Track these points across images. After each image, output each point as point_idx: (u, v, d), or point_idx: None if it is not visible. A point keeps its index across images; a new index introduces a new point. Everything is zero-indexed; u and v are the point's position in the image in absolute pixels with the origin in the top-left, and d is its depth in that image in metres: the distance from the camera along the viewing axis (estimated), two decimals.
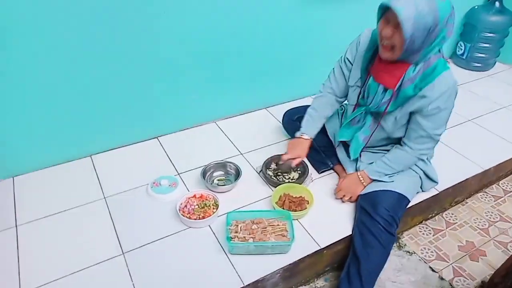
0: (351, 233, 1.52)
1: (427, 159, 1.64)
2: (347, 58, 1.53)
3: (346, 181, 1.64)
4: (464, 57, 2.79)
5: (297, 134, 1.69)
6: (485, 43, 2.68)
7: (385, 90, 1.39)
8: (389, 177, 1.55)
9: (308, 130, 1.68)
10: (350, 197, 1.62)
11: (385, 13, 1.25)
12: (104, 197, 1.66)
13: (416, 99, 1.36)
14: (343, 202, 1.65)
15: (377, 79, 1.40)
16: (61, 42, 1.55)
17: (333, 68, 1.63)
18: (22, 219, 1.55)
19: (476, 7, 2.69)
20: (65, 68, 1.62)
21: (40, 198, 1.65)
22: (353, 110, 1.55)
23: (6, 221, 1.54)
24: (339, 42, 2.25)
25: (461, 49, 2.79)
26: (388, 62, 1.34)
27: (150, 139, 2.02)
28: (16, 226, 1.52)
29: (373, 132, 1.54)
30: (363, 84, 1.47)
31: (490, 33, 2.62)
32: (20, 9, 1.42)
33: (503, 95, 2.51)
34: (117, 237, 1.48)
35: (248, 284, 1.33)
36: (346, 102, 1.68)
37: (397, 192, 1.50)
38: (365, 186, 1.58)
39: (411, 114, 1.42)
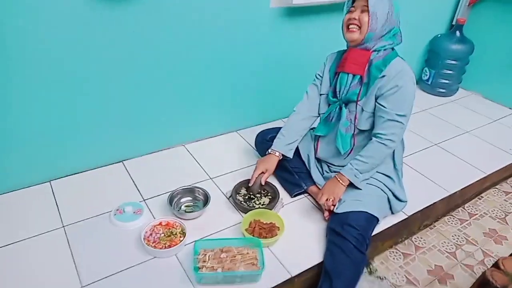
0: (321, 260, 1.49)
1: (397, 175, 1.67)
2: (318, 74, 1.69)
3: (327, 185, 1.61)
4: (429, 82, 2.89)
5: (268, 151, 1.71)
6: (448, 70, 2.79)
7: (353, 77, 1.52)
8: (364, 178, 1.57)
9: (279, 146, 1.70)
10: (333, 200, 1.58)
11: (350, 8, 1.46)
12: (63, 225, 1.56)
13: (378, 81, 1.47)
14: (326, 210, 1.63)
15: (345, 69, 1.52)
16: (17, 60, 1.48)
17: (306, 91, 1.72)
18: None
19: (439, 35, 2.82)
20: (20, 85, 1.53)
21: None
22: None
23: None
24: (312, 66, 2.30)
25: (426, 75, 2.90)
26: (352, 53, 1.50)
27: (115, 163, 1.94)
28: None
29: (352, 122, 1.58)
30: (335, 84, 1.58)
31: (452, 60, 2.74)
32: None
33: (466, 121, 2.60)
34: (76, 270, 1.39)
35: None
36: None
37: (367, 212, 1.50)
38: (344, 187, 1.57)
39: (376, 102, 1.50)
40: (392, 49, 1.52)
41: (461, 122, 2.57)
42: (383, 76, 1.46)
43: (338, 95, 1.58)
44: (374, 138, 1.52)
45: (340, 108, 1.58)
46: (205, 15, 1.80)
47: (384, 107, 1.47)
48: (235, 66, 2.05)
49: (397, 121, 1.47)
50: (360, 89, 1.51)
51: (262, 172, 1.70)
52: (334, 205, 1.58)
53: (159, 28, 1.71)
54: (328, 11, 2.18)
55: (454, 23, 2.83)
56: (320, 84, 1.67)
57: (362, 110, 1.54)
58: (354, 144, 1.61)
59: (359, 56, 1.49)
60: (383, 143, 1.50)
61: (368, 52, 1.47)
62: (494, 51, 2.78)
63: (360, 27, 1.43)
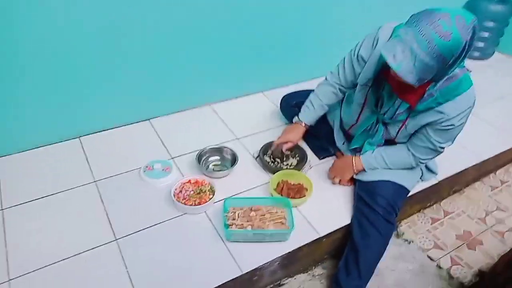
0: (349, 222, 1.49)
1: None
2: (361, 56, 1.38)
3: (338, 163, 1.60)
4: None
5: (294, 119, 1.64)
6: (484, 32, 2.64)
7: (401, 103, 1.31)
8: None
9: (306, 117, 1.63)
10: (340, 181, 1.59)
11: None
12: (95, 180, 1.59)
13: (433, 112, 1.27)
14: (333, 183, 1.62)
15: (396, 91, 1.30)
16: (53, 17, 1.45)
17: (344, 59, 1.49)
18: (8, 202, 1.47)
19: None
20: (50, 42, 1.50)
21: (27, 180, 1.56)
22: (361, 111, 1.47)
23: None
24: (342, 27, 2.21)
25: None
26: None
27: (142, 121, 1.94)
28: (2, 209, 1.44)
29: (384, 138, 1.47)
30: (377, 89, 1.37)
31: (490, 21, 2.59)
32: None
33: (502, 86, 2.49)
34: (110, 223, 1.42)
35: (247, 272, 1.29)
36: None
37: (397, 183, 1.46)
38: (355, 173, 1.54)
39: (423, 127, 1.34)
40: (465, 68, 1.24)
41: (496, 88, 2.46)
42: (441, 112, 1.24)
43: (378, 109, 1.40)
44: (409, 154, 1.43)
45: (378, 123, 1.44)
46: None
47: (430, 136, 1.33)
48: (261, 26, 1.97)
49: (438, 151, 1.39)
50: (407, 118, 1.34)
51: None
52: (343, 184, 1.60)
53: None
54: None
55: None
56: (361, 70, 1.40)
57: (405, 129, 1.38)
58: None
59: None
60: (415, 162, 1.44)
61: (428, 82, 1.20)
62: None
63: None
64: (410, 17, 1.08)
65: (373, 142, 1.49)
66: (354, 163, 1.53)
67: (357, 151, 1.57)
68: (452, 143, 1.39)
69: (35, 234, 1.36)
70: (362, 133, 1.51)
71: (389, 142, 1.50)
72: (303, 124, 1.63)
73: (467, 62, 1.24)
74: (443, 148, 1.39)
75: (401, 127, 1.37)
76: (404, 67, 1.05)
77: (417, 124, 1.34)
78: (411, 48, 1.03)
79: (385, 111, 1.37)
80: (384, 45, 1.09)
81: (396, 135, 1.42)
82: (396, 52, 1.05)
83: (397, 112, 1.33)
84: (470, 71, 1.26)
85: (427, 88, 1.22)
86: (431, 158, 1.47)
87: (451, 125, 1.27)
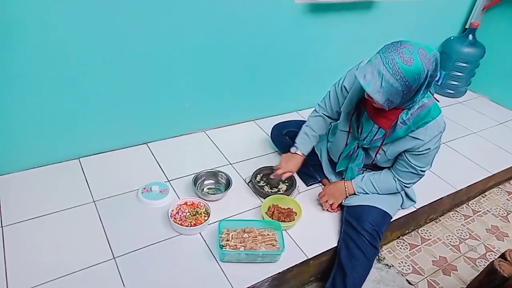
0: (336, 245, 1.59)
1: None
2: (344, 86, 1.55)
3: (332, 188, 1.71)
4: (438, 83, 2.98)
5: (292, 150, 1.74)
6: (458, 72, 2.87)
7: (378, 128, 1.45)
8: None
9: (304, 147, 1.73)
10: (332, 204, 1.70)
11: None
12: (94, 201, 1.65)
13: (408, 139, 1.43)
14: (323, 210, 1.74)
15: (373, 118, 1.44)
16: (55, 40, 1.55)
17: (329, 91, 1.66)
18: (8, 219, 1.52)
19: (452, 37, 2.89)
20: (55, 68, 1.60)
21: (27, 199, 1.62)
22: (347, 138, 1.60)
23: None
24: (330, 61, 2.39)
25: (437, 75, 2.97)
26: None
27: (140, 144, 2.03)
28: (1, 226, 1.49)
29: (364, 164, 1.63)
30: (358, 116, 1.52)
31: (463, 62, 2.82)
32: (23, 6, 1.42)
33: (473, 122, 2.69)
34: (108, 241, 1.48)
35: None
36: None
37: (381, 209, 1.59)
38: (347, 196, 1.67)
39: (401, 151, 1.49)
40: (433, 97, 1.40)
41: (468, 123, 2.66)
42: (416, 138, 1.41)
43: (358, 135, 1.54)
44: (395, 179, 1.58)
45: (358, 148, 1.58)
46: (231, 7, 1.86)
47: (410, 162, 1.49)
48: (256, 58, 2.12)
49: (420, 174, 1.55)
50: (382, 143, 1.48)
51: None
52: (333, 210, 1.71)
53: (186, 17, 1.77)
54: (351, 9, 2.26)
55: (467, 26, 2.90)
56: (344, 100, 1.56)
57: (385, 154, 1.53)
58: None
59: (389, 111, 1.35)
60: (400, 186, 1.60)
61: (398, 110, 1.36)
62: (504, 56, 2.86)
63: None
64: (382, 47, 1.26)
65: (353, 166, 1.63)
66: (346, 188, 1.66)
67: (342, 174, 1.72)
68: (431, 166, 1.54)
69: (34, 251, 1.41)
70: (345, 158, 1.65)
71: (373, 166, 1.64)
72: (301, 154, 1.73)
73: (442, 98, 1.41)
74: (423, 171, 1.54)
75: (377, 151, 1.53)
76: (372, 86, 1.21)
77: (395, 150, 1.50)
78: (379, 70, 1.20)
79: (364, 137, 1.52)
80: (358, 69, 1.27)
81: (374, 158, 1.57)
82: (366, 73, 1.22)
83: (374, 138, 1.49)
84: (438, 101, 1.43)
85: (399, 115, 1.38)
86: (414, 183, 1.61)
87: (427, 149, 1.44)
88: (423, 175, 1.57)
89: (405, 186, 1.60)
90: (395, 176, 1.58)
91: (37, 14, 1.45)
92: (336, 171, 1.73)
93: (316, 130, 1.73)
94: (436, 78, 1.31)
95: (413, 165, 1.50)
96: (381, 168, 1.64)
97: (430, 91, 1.39)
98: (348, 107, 1.55)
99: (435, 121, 1.39)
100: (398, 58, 1.18)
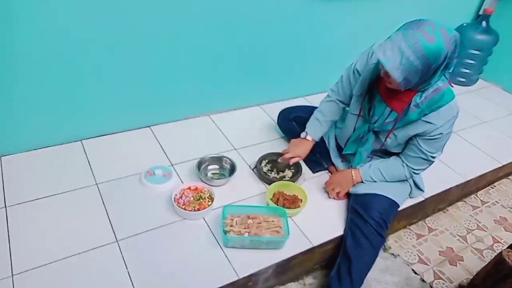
0: (342, 233, 1.56)
1: None
2: (357, 69, 1.52)
3: (339, 176, 1.68)
4: (450, 70, 2.90)
5: (302, 135, 1.71)
6: (470, 60, 2.80)
7: (391, 112, 1.43)
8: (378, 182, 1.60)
9: (314, 133, 1.69)
10: (338, 192, 1.66)
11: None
12: (96, 183, 1.63)
13: (421, 123, 1.40)
14: (329, 197, 1.71)
15: (385, 100, 1.43)
16: (58, 21, 1.50)
17: (342, 76, 1.64)
18: (11, 200, 1.50)
19: (464, 24, 2.81)
20: (59, 49, 1.56)
21: (30, 179, 1.60)
22: (356, 121, 1.58)
23: None
24: (338, 47, 2.32)
25: None
26: None
27: (143, 127, 2.00)
28: (5, 207, 1.47)
29: (374, 149, 1.59)
30: (370, 99, 1.49)
31: (476, 50, 2.75)
32: None
33: (484, 111, 2.63)
34: (111, 224, 1.46)
35: (243, 277, 1.35)
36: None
37: (389, 198, 1.55)
38: (354, 184, 1.63)
39: (413, 135, 1.46)
40: (448, 82, 1.37)
41: (479, 112, 2.60)
42: (428, 122, 1.38)
43: (369, 118, 1.51)
44: (404, 165, 1.54)
45: (368, 131, 1.54)
46: None
47: (421, 146, 1.45)
48: (262, 42, 2.07)
49: (430, 160, 1.50)
50: (393, 127, 1.44)
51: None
52: (339, 198, 1.68)
53: (193, 2, 1.73)
54: None
55: (481, 13, 2.81)
56: (356, 83, 1.54)
57: (395, 138, 1.49)
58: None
59: (403, 93, 1.35)
60: (409, 173, 1.55)
61: (414, 92, 1.35)
62: None
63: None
64: (403, 24, 1.22)
65: (362, 150, 1.59)
66: (353, 176, 1.62)
67: (349, 161, 1.69)
68: (442, 152, 1.50)
69: (37, 232, 1.40)
70: (354, 141, 1.61)
71: (382, 152, 1.61)
72: (311, 139, 1.69)
73: (453, 87, 1.37)
74: (434, 157, 1.49)
75: (388, 135, 1.48)
76: (391, 62, 1.17)
77: (407, 134, 1.46)
78: (399, 47, 1.17)
79: (376, 119, 1.49)
80: (377, 45, 1.22)
81: (384, 142, 1.52)
82: (386, 50, 1.18)
83: (386, 121, 1.45)
84: (453, 86, 1.39)
85: (413, 98, 1.35)
86: (423, 169, 1.56)
87: (439, 134, 1.40)
88: (433, 161, 1.52)
89: (413, 173, 1.56)
90: (403, 162, 1.54)
91: None
92: (343, 153, 1.69)
93: (327, 115, 1.69)
94: (455, 61, 1.27)
95: (424, 151, 1.46)
96: (390, 154, 1.60)
97: (445, 75, 1.34)
98: (360, 89, 1.52)
99: (449, 105, 1.36)
100: (420, 35, 1.15)
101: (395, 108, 1.41)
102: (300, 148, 1.69)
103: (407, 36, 1.16)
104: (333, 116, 1.70)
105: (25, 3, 1.40)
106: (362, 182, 1.62)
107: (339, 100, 1.67)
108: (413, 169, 1.54)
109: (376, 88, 1.45)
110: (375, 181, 1.59)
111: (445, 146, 1.48)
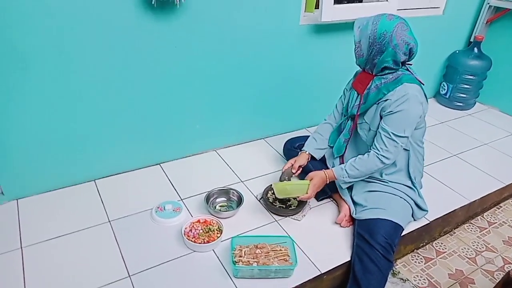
0: (349, 259, 1.59)
1: (414, 187, 1.74)
2: (345, 89, 1.85)
3: (314, 179, 1.68)
4: (447, 96, 2.99)
5: (299, 153, 1.88)
6: (466, 84, 2.89)
7: (358, 96, 1.68)
8: (349, 182, 1.68)
9: (309, 147, 1.87)
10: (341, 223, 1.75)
11: None
12: (109, 221, 1.69)
13: (381, 103, 1.59)
14: (336, 223, 1.77)
15: (353, 86, 1.74)
16: (65, 66, 1.63)
17: (336, 104, 1.89)
18: (27, 241, 1.57)
19: (457, 51, 2.92)
20: (69, 92, 1.68)
21: (45, 220, 1.67)
22: (341, 119, 1.83)
23: (11, 242, 1.55)
24: (336, 79, 2.42)
25: (444, 89, 3.00)
26: (362, 73, 1.68)
27: (153, 165, 2.08)
28: (21, 247, 1.53)
29: (351, 135, 1.76)
30: (347, 99, 1.77)
31: (470, 75, 2.84)
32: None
33: (483, 133, 2.68)
34: (123, 259, 1.51)
35: None
36: None
37: (393, 221, 1.59)
38: (327, 182, 1.69)
39: (380, 121, 1.60)
40: (409, 72, 1.59)
41: (479, 135, 2.66)
42: (387, 99, 1.56)
43: (348, 110, 1.76)
44: (371, 151, 1.61)
45: (348, 120, 1.76)
46: (238, 29, 1.94)
47: (383, 124, 1.58)
48: (264, 78, 2.19)
49: (394, 140, 1.56)
50: (359, 107, 1.67)
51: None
52: (343, 225, 1.75)
53: (195, 41, 1.85)
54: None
55: (472, 40, 2.93)
56: (344, 100, 1.82)
57: (370, 128, 1.66)
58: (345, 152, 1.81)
59: (364, 77, 1.66)
60: (378, 158, 1.59)
61: (371, 75, 1.62)
62: (511, 67, 2.87)
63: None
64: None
65: (341, 136, 1.80)
66: (326, 174, 1.68)
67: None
68: (406, 136, 1.55)
69: (52, 271, 1.45)
70: (336, 131, 1.85)
71: (362, 144, 1.74)
72: (307, 152, 1.87)
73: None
74: (397, 136, 1.54)
75: (357, 112, 1.67)
76: (358, 23, 1.56)
77: (376, 118, 1.62)
78: (368, 19, 1.54)
79: (349, 106, 1.74)
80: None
81: (356, 126, 1.71)
82: (361, 19, 1.57)
83: (354, 104, 1.69)
84: (423, 84, 1.59)
85: (372, 80, 1.61)
86: (390, 151, 1.57)
87: (394, 108, 1.54)
88: (398, 142, 1.55)
89: (383, 157, 1.57)
90: (373, 149, 1.61)
91: (53, 43, 1.54)
92: (329, 145, 1.89)
93: (322, 133, 1.89)
94: (403, 58, 1.53)
95: (385, 127, 1.57)
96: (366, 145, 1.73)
97: (408, 69, 1.60)
98: (346, 99, 1.80)
99: (404, 85, 1.54)
100: (384, 15, 1.50)
101: (359, 90, 1.67)
102: (299, 157, 1.87)
103: (377, 15, 1.52)
104: (325, 133, 1.90)
105: (38, 50, 1.54)
106: (335, 179, 1.67)
107: (333, 121, 1.90)
108: (380, 149, 1.57)
109: (353, 85, 1.75)
110: (350, 176, 1.63)
111: (408, 126, 1.54)
